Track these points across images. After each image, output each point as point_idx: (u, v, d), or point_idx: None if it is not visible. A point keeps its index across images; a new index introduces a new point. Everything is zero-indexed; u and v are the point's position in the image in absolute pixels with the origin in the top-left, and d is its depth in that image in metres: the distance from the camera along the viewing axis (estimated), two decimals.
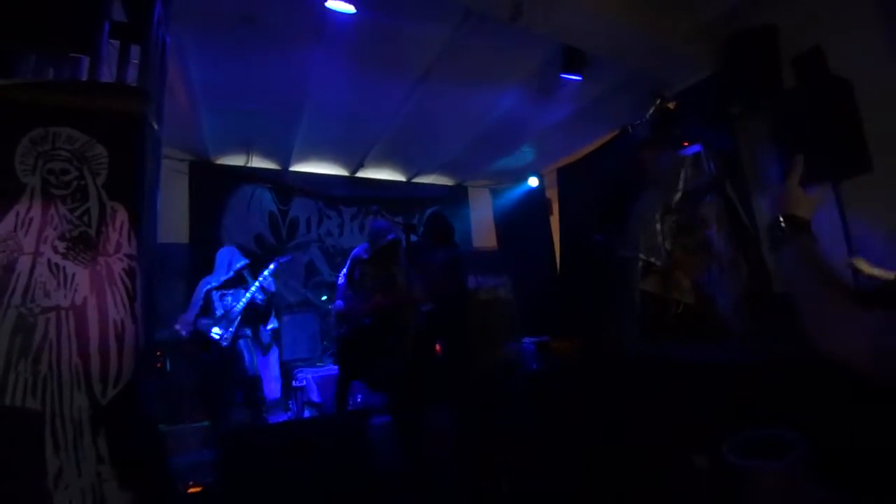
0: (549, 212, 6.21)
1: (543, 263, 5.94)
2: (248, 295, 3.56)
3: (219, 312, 3.51)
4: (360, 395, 3.89)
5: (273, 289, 3.73)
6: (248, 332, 3.64)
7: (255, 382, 3.59)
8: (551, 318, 5.13)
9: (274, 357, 4.39)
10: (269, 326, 3.88)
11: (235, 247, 4.00)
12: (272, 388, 4.27)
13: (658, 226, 2.86)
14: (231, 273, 3.60)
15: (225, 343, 3.45)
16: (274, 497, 1.76)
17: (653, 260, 2.82)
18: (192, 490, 2.35)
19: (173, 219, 4.52)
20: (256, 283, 3.59)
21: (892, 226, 2.68)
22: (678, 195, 2.85)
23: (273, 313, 3.87)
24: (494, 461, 2.04)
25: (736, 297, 3.10)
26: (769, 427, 1.20)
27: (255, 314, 3.66)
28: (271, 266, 3.72)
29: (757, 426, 1.24)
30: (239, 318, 3.53)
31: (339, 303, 3.45)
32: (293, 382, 4.17)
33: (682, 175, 2.92)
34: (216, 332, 3.46)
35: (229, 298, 3.57)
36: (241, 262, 3.67)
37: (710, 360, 1.91)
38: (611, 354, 3.23)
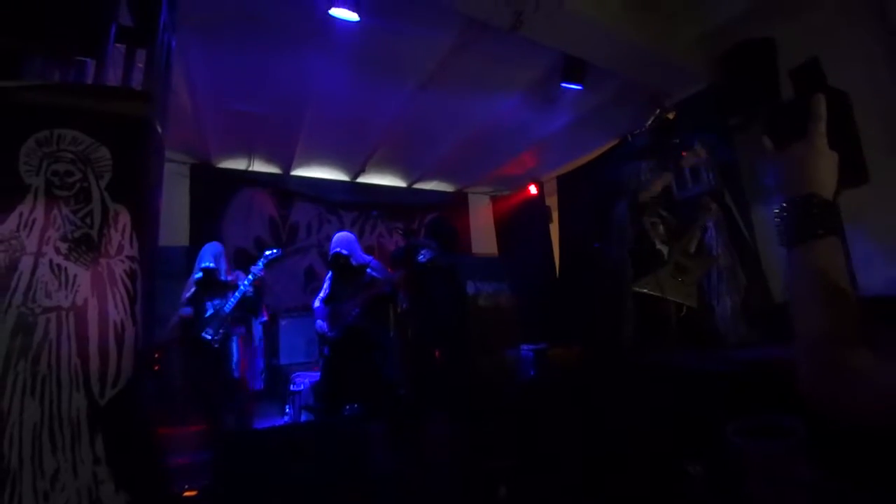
0: (548, 219, 6.23)
1: (543, 271, 5.95)
2: (237, 293, 3.47)
3: (209, 312, 3.45)
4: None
5: (262, 274, 3.61)
6: (243, 329, 3.56)
7: (240, 385, 3.50)
8: (550, 326, 5.12)
9: (259, 350, 4.32)
10: (261, 319, 3.82)
11: (224, 248, 3.85)
12: (256, 381, 4.22)
13: (640, 225, 2.86)
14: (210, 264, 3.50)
15: (216, 345, 3.41)
16: (270, 500, 1.76)
17: (643, 264, 2.81)
18: (187, 494, 2.34)
19: (174, 221, 4.53)
20: (248, 279, 3.49)
21: (889, 238, 2.70)
22: (651, 193, 2.84)
23: (263, 304, 3.81)
24: (492, 468, 2.04)
25: (734, 306, 3.11)
26: (770, 415, 1.21)
27: (247, 309, 3.57)
28: (260, 263, 3.61)
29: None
30: (230, 316, 3.45)
31: (318, 323, 3.58)
32: (290, 386, 4.16)
33: (644, 173, 2.93)
34: (207, 332, 3.41)
35: (218, 299, 3.50)
36: (208, 264, 3.54)
37: (705, 369, 1.91)
38: (609, 362, 3.23)
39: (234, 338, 3.49)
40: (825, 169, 0.66)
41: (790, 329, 0.61)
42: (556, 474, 1.81)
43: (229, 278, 3.62)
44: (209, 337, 3.40)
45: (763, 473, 1.11)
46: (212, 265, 3.51)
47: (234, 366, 3.45)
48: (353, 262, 3.51)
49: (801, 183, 0.65)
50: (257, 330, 3.73)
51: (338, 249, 3.49)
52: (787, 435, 1.12)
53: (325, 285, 3.68)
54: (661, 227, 2.85)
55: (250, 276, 3.50)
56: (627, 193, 2.92)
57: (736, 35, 3.25)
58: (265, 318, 3.77)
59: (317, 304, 3.66)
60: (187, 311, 3.44)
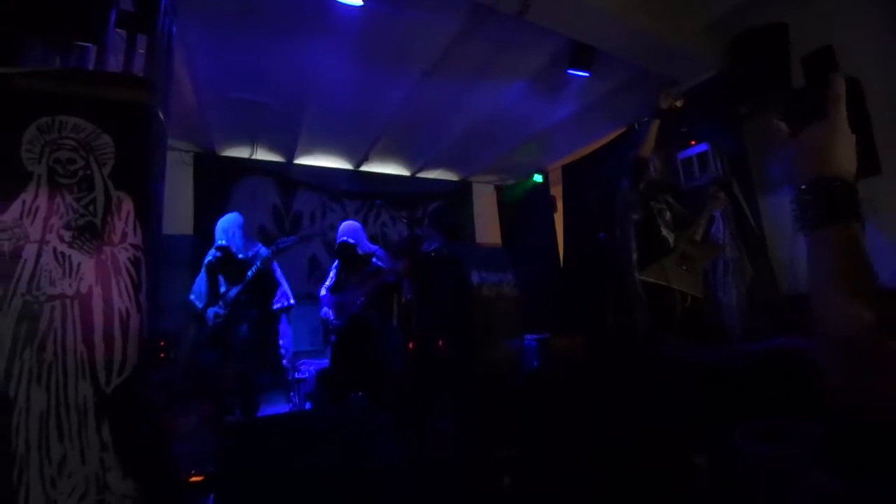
0: (553, 209, 6.20)
1: (547, 260, 5.93)
2: (248, 275, 3.26)
3: (221, 289, 3.31)
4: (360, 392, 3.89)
5: (272, 265, 3.44)
6: (255, 312, 3.37)
7: (248, 375, 3.32)
8: (554, 316, 5.12)
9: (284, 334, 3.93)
10: (283, 304, 3.65)
11: (242, 219, 3.55)
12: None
13: (646, 206, 2.81)
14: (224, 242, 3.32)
15: (219, 330, 3.25)
16: (275, 488, 1.78)
17: (648, 250, 2.78)
18: (194, 479, 2.37)
19: (178, 210, 4.53)
20: (258, 262, 3.31)
21: None
22: (648, 146, 2.78)
23: (284, 286, 3.55)
24: (495, 458, 2.05)
25: (740, 297, 3.09)
26: (781, 418, 1.20)
27: (262, 289, 3.36)
28: (266, 250, 3.42)
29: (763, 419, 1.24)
30: (237, 299, 3.27)
31: (323, 310, 3.55)
32: (295, 374, 4.18)
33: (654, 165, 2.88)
34: (215, 313, 3.26)
35: (231, 278, 3.31)
36: (221, 242, 3.33)
37: (712, 360, 1.90)
38: (613, 351, 3.23)
39: (244, 325, 3.30)
40: (846, 151, 0.63)
41: (800, 320, 0.60)
42: (560, 464, 1.82)
43: (249, 254, 3.41)
44: (210, 318, 3.27)
45: (775, 480, 1.10)
46: (223, 243, 3.35)
47: (242, 353, 3.27)
48: (360, 251, 3.49)
49: (822, 165, 0.62)
50: (283, 321, 3.65)
51: (344, 238, 3.48)
52: (799, 438, 1.11)
53: (332, 274, 3.67)
54: (667, 214, 2.83)
55: (258, 262, 3.32)
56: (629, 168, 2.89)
57: (746, 21, 3.19)
58: (278, 305, 3.62)
59: (323, 292, 3.65)
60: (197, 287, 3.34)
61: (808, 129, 0.65)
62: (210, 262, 3.36)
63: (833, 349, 0.55)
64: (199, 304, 3.34)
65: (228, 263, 3.37)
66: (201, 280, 3.38)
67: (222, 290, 3.34)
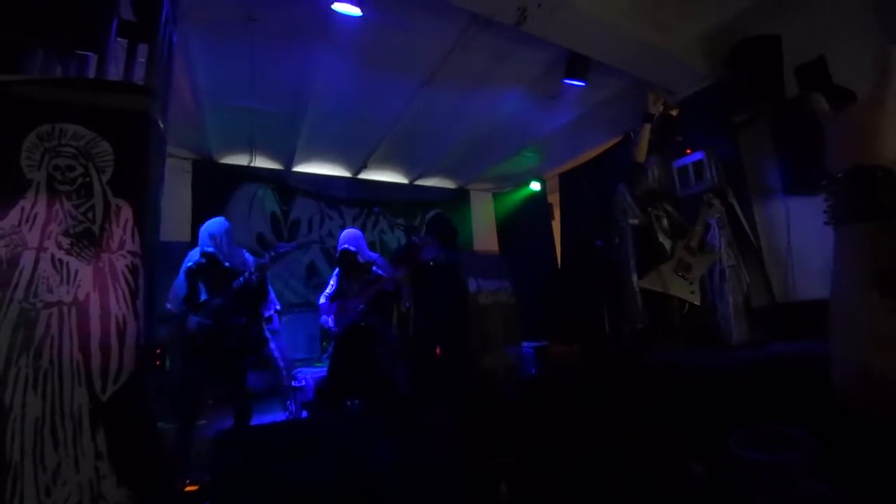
0: (550, 216, 6.23)
1: (544, 268, 5.94)
2: (235, 284, 3.09)
3: (203, 297, 3.13)
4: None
5: (261, 275, 3.26)
6: (243, 320, 3.20)
7: (238, 384, 3.21)
8: (551, 323, 5.12)
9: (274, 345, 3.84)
10: (265, 313, 3.55)
11: (228, 225, 3.32)
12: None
13: (644, 213, 2.85)
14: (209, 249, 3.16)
15: (200, 340, 3.08)
16: (271, 497, 1.76)
17: (646, 256, 2.80)
18: (188, 488, 2.35)
19: (176, 217, 4.52)
20: (251, 269, 3.15)
21: None
22: (641, 149, 2.81)
23: (271, 293, 3.46)
24: (492, 464, 2.04)
25: (736, 305, 3.10)
26: (776, 424, 1.20)
27: (249, 297, 3.20)
28: (266, 257, 3.25)
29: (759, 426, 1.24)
30: (225, 307, 3.10)
31: (323, 318, 3.54)
32: (291, 382, 4.16)
33: (654, 173, 2.94)
34: (199, 323, 3.08)
35: (214, 286, 3.14)
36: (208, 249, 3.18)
37: (709, 367, 1.91)
38: (610, 359, 3.23)
39: (233, 333, 3.14)
40: (893, 135, 0.53)
41: (795, 327, 0.58)
42: (557, 471, 1.82)
43: (235, 262, 3.24)
44: (193, 328, 3.09)
45: (771, 486, 1.10)
46: (211, 250, 3.18)
47: (230, 360, 3.14)
48: (361, 259, 3.51)
49: (864, 151, 0.53)
50: (274, 321, 3.59)
51: (346, 246, 3.49)
52: (794, 446, 1.11)
53: (332, 282, 3.66)
54: (665, 221, 2.87)
55: (254, 268, 3.17)
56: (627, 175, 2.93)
57: (741, 32, 3.23)
58: (269, 312, 3.54)
59: (322, 300, 3.64)
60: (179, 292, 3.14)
61: (851, 107, 0.56)
62: (190, 267, 3.16)
63: (850, 357, 0.47)
64: (176, 312, 3.15)
65: (213, 271, 3.19)
66: (180, 286, 3.18)
67: (203, 297, 3.15)
